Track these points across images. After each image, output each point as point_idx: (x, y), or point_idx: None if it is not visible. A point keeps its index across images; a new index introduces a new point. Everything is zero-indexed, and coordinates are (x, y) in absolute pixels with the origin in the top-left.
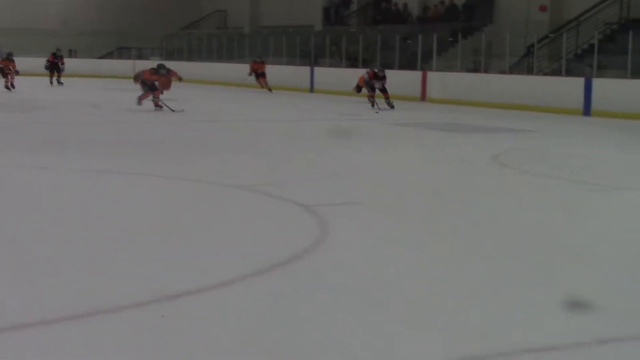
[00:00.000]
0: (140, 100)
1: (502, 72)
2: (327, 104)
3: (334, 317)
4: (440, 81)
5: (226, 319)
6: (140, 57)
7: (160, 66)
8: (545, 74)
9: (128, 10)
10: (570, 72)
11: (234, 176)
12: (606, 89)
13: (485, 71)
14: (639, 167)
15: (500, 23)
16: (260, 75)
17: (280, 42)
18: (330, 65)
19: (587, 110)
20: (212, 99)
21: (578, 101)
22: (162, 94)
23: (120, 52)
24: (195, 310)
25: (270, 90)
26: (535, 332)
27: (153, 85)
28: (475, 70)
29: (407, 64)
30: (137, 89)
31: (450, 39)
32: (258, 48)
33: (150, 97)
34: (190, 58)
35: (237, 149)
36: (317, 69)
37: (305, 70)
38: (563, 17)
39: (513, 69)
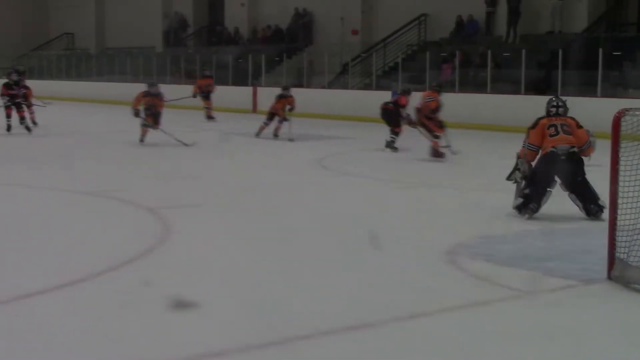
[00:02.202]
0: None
1: (322, 87)
2: (169, 116)
3: (181, 309)
4: (268, 96)
5: (78, 316)
6: None
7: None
8: (359, 89)
9: None
10: (379, 87)
11: (82, 182)
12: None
13: (308, 86)
14: (440, 167)
15: (319, 45)
16: (207, 95)
17: (125, 62)
18: (171, 83)
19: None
20: (62, 113)
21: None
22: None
23: None
24: (46, 309)
25: (213, 118)
26: (353, 311)
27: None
28: (299, 85)
29: (240, 81)
30: None
31: (277, 59)
32: (104, 68)
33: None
34: (41, 77)
35: (85, 157)
36: (159, 86)
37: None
38: (372, 39)
39: (331, 85)
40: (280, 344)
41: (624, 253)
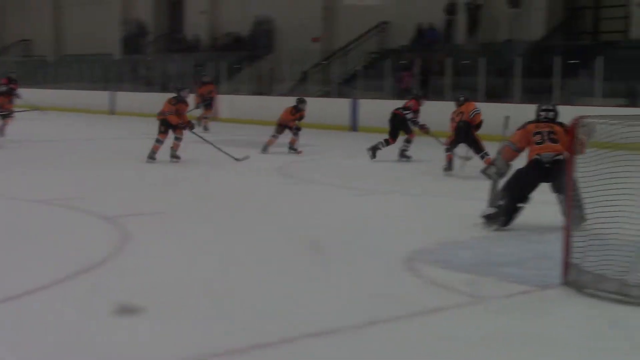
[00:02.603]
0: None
1: (282, 94)
2: (127, 124)
3: (140, 315)
4: (229, 103)
5: (39, 324)
6: None
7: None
8: (319, 96)
9: None
10: (339, 94)
11: (39, 191)
12: (369, 108)
13: (268, 94)
14: (401, 173)
15: (280, 52)
16: (209, 103)
17: (83, 70)
18: (130, 90)
19: (354, 127)
20: (19, 121)
21: (346, 119)
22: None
23: None
24: (5, 318)
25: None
26: (310, 318)
27: None
28: (260, 93)
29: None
30: None
31: (237, 66)
32: (62, 75)
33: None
34: None
35: (42, 165)
36: (118, 93)
37: (104, 95)
38: (332, 47)
39: (292, 92)
40: (238, 352)
41: (578, 258)
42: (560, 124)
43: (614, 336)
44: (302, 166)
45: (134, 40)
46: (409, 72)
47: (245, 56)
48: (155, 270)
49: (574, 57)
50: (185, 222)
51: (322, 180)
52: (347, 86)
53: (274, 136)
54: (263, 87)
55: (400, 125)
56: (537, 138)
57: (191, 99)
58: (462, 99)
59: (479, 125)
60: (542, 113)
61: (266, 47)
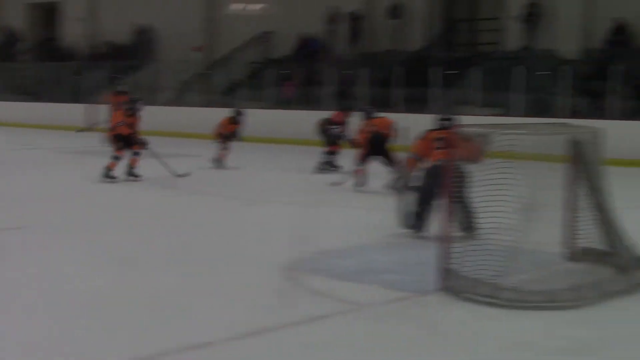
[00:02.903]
0: None
1: (164, 104)
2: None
3: (17, 328)
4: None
5: None
6: None
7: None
8: (201, 106)
9: None
10: (222, 104)
11: None
12: (253, 117)
13: (150, 103)
14: (281, 184)
15: (161, 61)
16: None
17: None
18: (4, 100)
19: (240, 136)
20: None
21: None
22: None
23: None
24: None
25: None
26: (192, 330)
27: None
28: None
29: (77, 98)
30: None
31: (117, 75)
32: None
33: None
34: None
35: None
36: None
37: None
38: (214, 56)
39: (174, 102)
40: None
41: (454, 264)
42: (460, 132)
43: (486, 338)
44: (185, 178)
45: (5, 48)
46: (291, 82)
47: (125, 65)
48: (18, 284)
49: (452, 67)
50: (53, 236)
51: (206, 191)
52: (229, 96)
53: (224, 149)
54: (143, 97)
55: (322, 135)
56: (438, 144)
57: (103, 109)
58: (369, 110)
59: (390, 139)
60: (441, 122)
61: (147, 56)
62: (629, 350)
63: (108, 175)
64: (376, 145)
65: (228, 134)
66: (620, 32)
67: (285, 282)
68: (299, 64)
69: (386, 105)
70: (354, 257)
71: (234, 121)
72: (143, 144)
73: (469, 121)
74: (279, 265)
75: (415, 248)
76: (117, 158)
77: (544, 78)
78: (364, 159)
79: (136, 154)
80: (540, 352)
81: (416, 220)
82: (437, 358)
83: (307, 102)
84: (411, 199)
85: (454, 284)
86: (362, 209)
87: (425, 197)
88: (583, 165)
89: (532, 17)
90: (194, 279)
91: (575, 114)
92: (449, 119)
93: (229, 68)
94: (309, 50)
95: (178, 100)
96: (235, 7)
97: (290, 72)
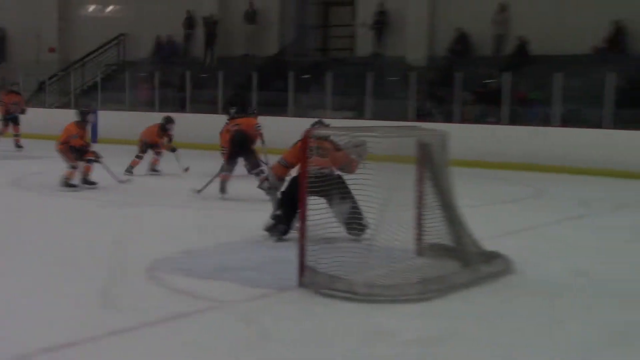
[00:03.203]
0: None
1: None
2: None
3: None
4: None
5: None
6: None
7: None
8: (57, 107)
9: None
10: (78, 106)
11: None
12: (109, 119)
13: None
14: (148, 187)
15: (14, 62)
16: (16, 118)
17: None
18: None
19: (94, 138)
20: None
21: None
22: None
23: None
24: None
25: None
26: (53, 332)
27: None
28: None
29: None
30: None
31: None
32: None
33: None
34: None
35: None
36: None
37: None
38: (70, 58)
39: (27, 103)
40: None
41: (312, 261)
42: (331, 141)
43: (344, 331)
44: (42, 178)
45: None
46: (149, 84)
47: None
48: None
49: (306, 72)
50: None
51: (66, 191)
52: (86, 97)
53: (138, 157)
54: None
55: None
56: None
57: None
58: (232, 111)
59: (254, 141)
60: (314, 127)
61: None
62: (475, 338)
63: (67, 184)
64: (239, 145)
65: (155, 144)
66: (462, 42)
67: (147, 282)
68: (156, 67)
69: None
70: (211, 256)
71: (163, 129)
72: (95, 153)
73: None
74: (140, 265)
75: (274, 248)
76: (73, 167)
77: (393, 83)
78: (229, 160)
79: (89, 161)
80: (394, 344)
81: (279, 225)
82: (299, 352)
83: (165, 104)
84: (276, 203)
85: (312, 281)
86: (221, 210)
87: (289, 202)
88: (430, 166)
89: (381, 25)
90: (54, 281)
91: (421, 118)
92: (320, 124)
93: (86, 70)
94: (166, 53)
95: (34, 101)
96: (90, 8)
97: (147, 75)
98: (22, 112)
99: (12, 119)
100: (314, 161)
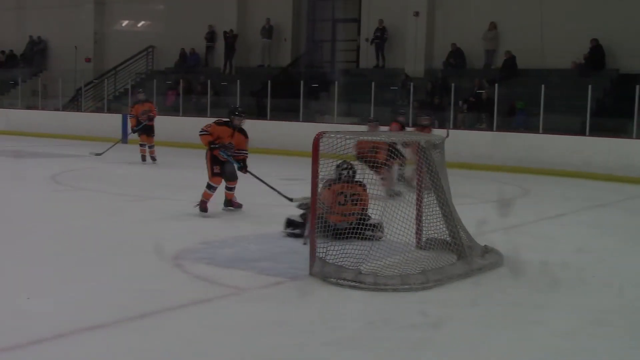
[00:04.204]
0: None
1: (56, 109)
2: None
3: None
4: (5, 116)
5: None
6: None
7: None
8: (92, 111)
9: None
10: (111, 110)
11: None
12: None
13: (43, 108)
14: (166, 182)
15: (54, 70)
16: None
17: None
18: None
19: (124, 139)
20: None
21: (118, 132)
22: None
23: None
24: None
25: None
26: (84, 314)
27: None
28: (34, 107)
29: None
30: None
31: (12, 82)
32: None
33: None
34: None
35: None
36: None
37: None
38: (104, 67)
39: (65, 107)
40: (10, 349)
41: (322, 252)
42: (361, 184)
43: (350, 317)
44: (77, 175)
45: None
46: (174, 91)
47: (19, 73)
48: None
49: (316, 81)
50: None
51: (96, 187)
52: (117, 102)
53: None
54: (37, 102)
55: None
56: (341, 199)
57: None
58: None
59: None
60: (343, 172)
61: (40, 65)
62: (467, 324)
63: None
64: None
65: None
66: (456, 56)
67: (173, 270)
68: (180, 76)
69: (259, 114)
70: (230, 247)
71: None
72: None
73: (331, 128)
74: (166, 254)
75: (287, 240)
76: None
77: (393, 92)
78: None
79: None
80: (396, 328)
81: (298, 225)
82: (310, 335)
83: (189, 109)
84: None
85: (321, 270)
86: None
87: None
88: (430, 168)
89: (383, 40)
90: (83, 268)
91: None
92: (348, 168)
93: (117, 78)
94: (189, 64)
95: (71, 106)
96: (123, 23)
97: (173, 83)
98: (150, 119)
99: (143, 129)
100: (348, 209)
